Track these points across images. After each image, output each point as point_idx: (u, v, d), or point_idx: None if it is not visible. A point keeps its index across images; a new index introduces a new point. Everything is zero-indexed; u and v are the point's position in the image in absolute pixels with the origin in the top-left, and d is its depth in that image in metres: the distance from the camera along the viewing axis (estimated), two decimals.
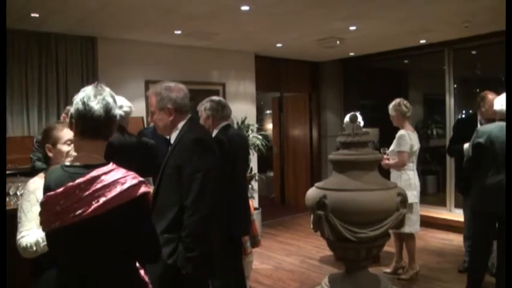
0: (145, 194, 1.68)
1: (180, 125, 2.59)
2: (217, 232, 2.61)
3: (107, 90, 1.73)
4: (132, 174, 1.67)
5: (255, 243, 4.41)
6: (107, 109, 1.68)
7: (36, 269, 2.18)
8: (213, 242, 2.52)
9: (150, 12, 4.90)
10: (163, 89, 2.59)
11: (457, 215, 6.42)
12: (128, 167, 1.73)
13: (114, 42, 5.99)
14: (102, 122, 1.67)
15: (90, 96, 1.67)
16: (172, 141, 2.61)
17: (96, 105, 1.66)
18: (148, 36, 6.04)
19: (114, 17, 5.06)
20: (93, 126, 1.67)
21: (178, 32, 5.84)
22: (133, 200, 1.62)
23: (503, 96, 3.96)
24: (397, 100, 4.92)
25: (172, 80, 2.73)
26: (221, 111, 3.68)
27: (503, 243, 3.89)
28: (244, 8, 4.79)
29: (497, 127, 3.85)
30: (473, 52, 7.77)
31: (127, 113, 3.55)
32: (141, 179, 1.68)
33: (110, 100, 1.71)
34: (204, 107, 3.67)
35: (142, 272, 1.91)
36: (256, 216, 5.86)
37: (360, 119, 5.17)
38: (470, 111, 4.41)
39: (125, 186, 1.61)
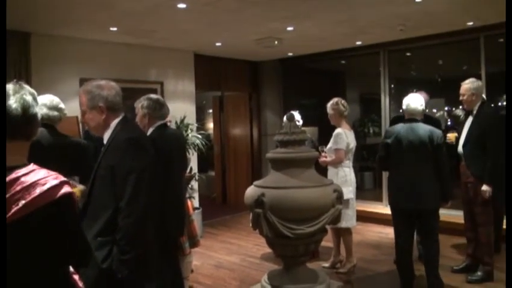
0: (68, 194, 1.60)
1: (113, 124, 2.51)
2: (153, 233, 2.57)
3: (26, 88, 1.65)
4: (53, 174, 1.59)
5: (194, 244, 4.37)
6: (25, 108, 1.60)
7: None
8: (149, 243, 2.47)
9: (85, 8, 4.73)
10: (94, 87, 2.51)
11: None
12: (58, 167, 1.66)
13: (47, 38, 5.73)
14: (20, 122, 1.60)
15: (8, 95, 1.59)
16: (105, 141, 2.53)
17: (13, 104, 1.58)
18: (83, 32, 5.84)
19: (48, 12, 4.84)
20: (10, 126, 1.59)
21: (114, 29, 5.69)
22: (55, 201, 1.55)
23: (410, 95, 4.25)
24: (335, 99, 5.05)
25: (109, 79, 2.66)
26: (158, 110, 3.61)
27: (425, 232, 4.22)
28: (181, 5, 4.74)
29: (405, 127, 4.10)
30: (408, 54, 8.10)
31: (61, 113, 3.43)
32: (63, 179, 1.60)
33: (29, 98, 1.62)
34: (141, 104, 3.60)
35: (76, 277, 1.84)
36: (196, 216, 5.82)
37: (298, 117, 5.31)
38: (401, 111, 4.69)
39: (45, 187, 1.53)
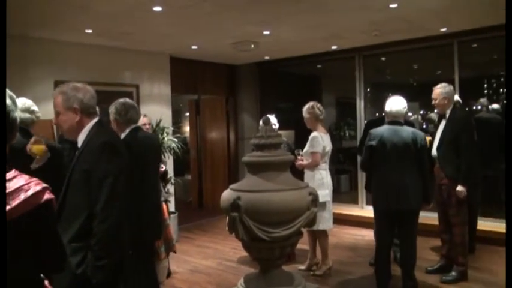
0: (50, 200, 1.60)
1: (88, 127, 2.48)
2: (128, 238, 2.54)
3: (6, 91, 1.63)
4: (35, 180, 1.58)
5: (170, 248, 4.35)
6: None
7: None
8: (124, 248, 2.44)
9: (60, 9, 4.66)
10: (69, 88, 2.48)
11: (368, 212, 6.72)
12: (31, 172, 1.63)
13: (21, 39, 5.62)
14: None
15: None
16: (79, 144, 2.50)
17: None
18: (58, 34, 5.75)
19: (21, 13, 4.74)
20: None
21: (90, 31, 5.62)
22: (38, 207, 1.54)
23: (393, 98, 4.33)
24: (311, 103, 5.08)
25: (84, 81, 2.63)
26: (124, 114, 3.56)
27: (404, 234, 4.26)
28: (157, 8, 4.71)
29: (388, 130, 4.17)
30: (383, 58, 8.21)
31: (33, 115, 3.37)
32: (44, 185, 1.60)
33: (9, 102, 1.61)
34: (110, 110, 3.55)
35: (46, 282, 1.81)
36: (172, 220, 5.79)
37: (274, 121, 5.31)
38: (383, 114, 4.78)
39: (29, 193, 1.52)
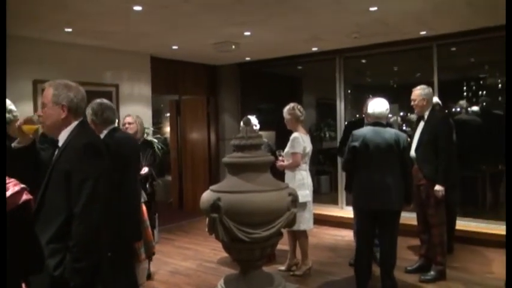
0: (28, 201, 1.58)
1: (71, 127, 2.46)
2: (108, 240, 2.51)
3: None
4: (13, 180, 1.57)
5: (150, 250, 4.31)
6: None
7: None
8: (103, 250, 2.42)
9: (39, 7, 4.59)
10: (62, 84, 2.49)
11: (348, 212, 6.78)
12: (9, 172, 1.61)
13: None
14: None
15: None
16: (60, 143, 2.47)
17: None
18: (37, 33, 5.65)
19: None
20: None
21: (69, 29, 5.55)
22: (17, 208, 1.52)
23: (376, 100, 4.38)
24: (291, 104, 5.10)
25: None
26: (100, 115, 3.53)
27: (385, 234, 4.30)
28: (137, 8, 4.68)
29: (370, 131, 4.22)
30: (363, 61, 8.28)
31: (11, 115, 3.31)
32: (22, 185, 1.59)
33: None
34: (87, 111, 3.51)
35: (23, 285, 1.79)
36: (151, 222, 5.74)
37: (255, 122, 5.32)
38: (363, 115, 4.85)
39: (8, 193, 1.51)
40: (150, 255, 4.53)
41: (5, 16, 1.86)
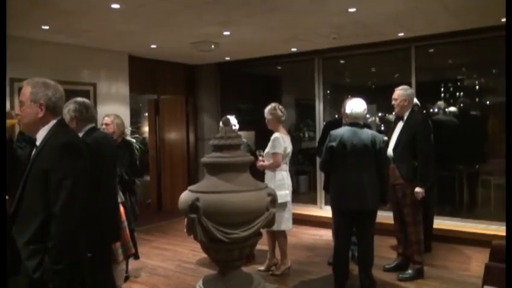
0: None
1: (49, 125, 2.43)
2: (86, 241, 2.47)
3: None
4: None
5: (127, 251, 4.26)
6: None
7: None
8: (82, 251, 2.38)
9: (15, 4, 4.47)
10: (41, 83, 2.45)
11: (327, 212, 6.79)
12: None
13: None
14: None
15: None
16: (38, 142, 2.42)
17: None
18: (13, 30, 5.50)
19: None
20: None
21: (46, 27, 5.45)
22: None
23: (354, 100, 4.43)
24: (273, 104, 5.09)
25: None
26: (85, 112, 3.50)
27: (362, 233, 4.36)
28: (115, 6, 4.61)
29: (348, 131, 4.27)
30: (342, 61, 8.32)
31: None
32: None
33: None
34: (67, 109, 3.45)
35: None
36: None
37: (234, 122, 5.30)
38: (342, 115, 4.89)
39: None
40: (127, 256, 4.48)
41: (5, 16, 1.81)
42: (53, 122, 2.44)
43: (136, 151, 6.21)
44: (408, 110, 4.83)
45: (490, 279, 3.12)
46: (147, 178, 9.73)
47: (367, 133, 4.24)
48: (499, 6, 4.96)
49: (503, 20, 5.54)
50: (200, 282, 3.70)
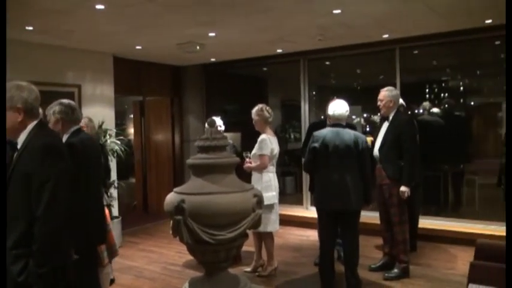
0: None
1: (29, 128, 2.38)
2: (71, 243, 2.45)
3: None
4: None
5: (113, 254, 4.22)
6: None
7: None
8: (66, 254, 2.35)
9: None
10: (13, 87, 2.38)
11: (313, 212, 6.80)
12: None
13: None
14: None
15: None
16: (19, 145, 2.38)
17: None
18: None
19: None
20: None
21: (30, 28, 5.38)
22: None
23: (336, 102, 4.47)
24: (260, 105, 5.09)
25: (24, 80, 2.51)
26: (71, 114, 3.45)
27: (346, 233, 4.38)
28: (99, 6, 4.57)
29: (330, 132, 4.29)
30: (327, 63, 8.36)
31: None
32: None
33: None
34: (52, 110, 3.41)
35: None
36: (115, 225, 5.65)
37: (220, 123, 5.29)
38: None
39: None
40: (112, 258, 4.44)
41: (5, 16, 1.78)
42: (32, 124, 2.40)
43: (122, 153, 6.19)
44: (393, 110, 4.87)
45: (475, 277, 3.16)
46: (133, 180, 9.67)
47: (349, 134, 4.27)
48: (483, 8, 5.03)
49: (488, 21, 5.62)
50: (186, 285, 3.67)
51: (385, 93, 4.89)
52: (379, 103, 4.93)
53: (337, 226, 4.39)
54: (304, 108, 7.89)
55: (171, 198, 3.48)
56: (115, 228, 5.50)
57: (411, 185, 4.66)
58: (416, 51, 7.29)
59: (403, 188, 4.62)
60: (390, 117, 4.87)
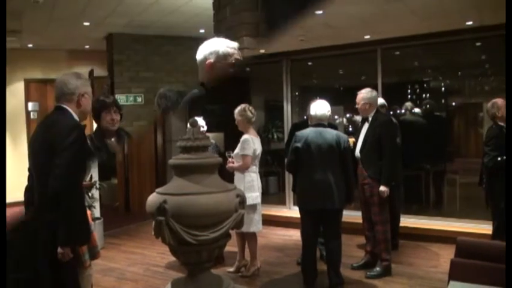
0: None
1: None
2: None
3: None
4: None
5: (94, 255, 4.17)
6: None
7: None
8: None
9: None
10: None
11: (296, 212, 6.80)
12: None
13: None
14: None
15: None
16: None
17: None
18: None
19: None
20: None
21: None
22: None
23: (317, 102, 4.53)
24: (243, 106, 5.09)
25: None
26: None
27: (329, 232, 4.44)
28: None
29: (312, 132, 4.35)
30: (310, 63, 8.38)
31: None
32: None
33: None
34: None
35: None
36: (96, 226, 5.58)
37: (202, 123, 5.27)
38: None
39: None
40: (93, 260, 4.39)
41: (5, 16, 1.74)
42: None
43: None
44: (372, 111, 4.92)
45: (456, 275, 3.19)
46: (115, 181, 9.57)
47: (331, 133, 4.32)
48: (464, 9, 5.10)
49: (468, 23, 5.68)
50: (169, 286, 3.64)
51: (361, 96, 4.95)
52: (356, 105, 4.99)
53: (319, 225, 4.43)
54: (287, 108, 7.90)
55: (153, 198, 3.45)
56: (97, 229, 5.44)
57: (390, 184, 4.70)
58: (397, 52, 7.35)
59: (382, 188, 4.66)
60: (370, 118, 4.91)
